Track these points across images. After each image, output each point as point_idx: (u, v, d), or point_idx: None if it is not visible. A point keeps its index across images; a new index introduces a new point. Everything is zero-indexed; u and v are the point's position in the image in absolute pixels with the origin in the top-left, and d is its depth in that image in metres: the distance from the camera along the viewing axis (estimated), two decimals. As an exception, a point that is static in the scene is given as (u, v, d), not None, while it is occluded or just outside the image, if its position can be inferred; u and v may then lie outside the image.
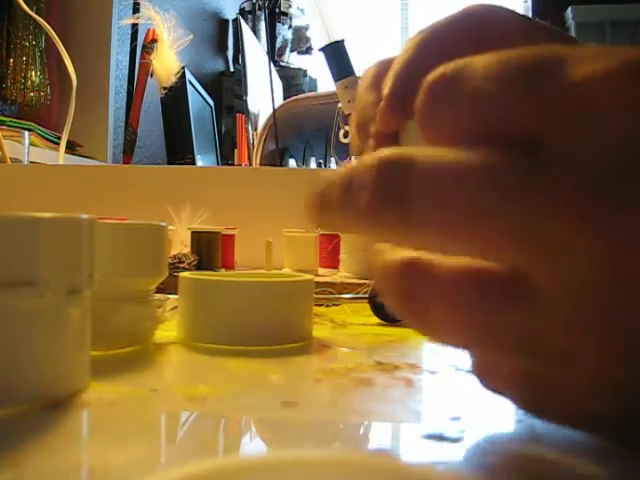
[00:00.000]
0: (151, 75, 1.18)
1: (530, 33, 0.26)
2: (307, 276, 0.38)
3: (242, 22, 1.80)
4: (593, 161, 0.15)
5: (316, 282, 0.40)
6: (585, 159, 0.15)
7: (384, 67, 0.29)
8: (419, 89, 0.21)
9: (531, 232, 0.16)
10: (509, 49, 0.17)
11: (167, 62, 1.11)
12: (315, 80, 3.36)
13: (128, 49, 1.76)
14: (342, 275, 0.63)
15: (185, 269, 0.57)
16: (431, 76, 0.18)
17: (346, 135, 0.89)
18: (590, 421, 0.19)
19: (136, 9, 1.40)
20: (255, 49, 1.78)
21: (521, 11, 0.28)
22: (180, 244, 0.63)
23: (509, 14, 0.29)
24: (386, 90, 0.27)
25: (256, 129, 1.53)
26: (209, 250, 0.63)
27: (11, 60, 1.72)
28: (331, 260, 0.68)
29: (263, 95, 1.55)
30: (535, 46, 0.17)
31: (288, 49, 3.43)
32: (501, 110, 0.17)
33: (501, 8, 0.29)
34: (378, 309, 0.45)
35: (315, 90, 3.06)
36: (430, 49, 0.27)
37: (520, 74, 0.17)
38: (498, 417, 0.24)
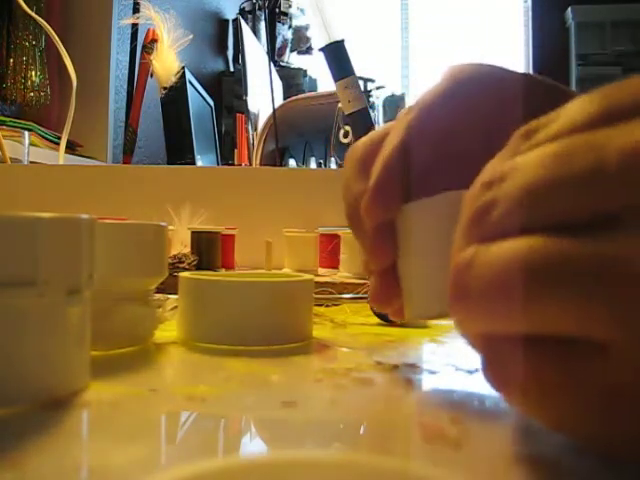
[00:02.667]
0: (151, 75, 1.18)
1: (526, 91, 0.25)
2: (307, 276, 0.38)
3: (242, 22, 1.80)
4: None
5: (316, 282, 0.40)
6: None
7: (372, 149, 0.28)
8: (409, 176, 0.22)
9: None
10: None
11: (167, 62, 1.11)
12: (315, 80, 3.36)
13: (128, 49, 1.75)
14: (342, 275, 0.63)
15: (185, 269, 0.57)
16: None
17: (346, 135, 0.88)
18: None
19: (136, 9, 1.40)
20: (255, 49, 1.78)
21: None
22: (180, 244, 0.63)
23: (500, 72, 0.27)
24: (372, 181, 0.26)
25: (256, 129, 1.53)
26: (209, 250, 0.63)
27: (11, 60, 1.72)
28: (331, 260, 0.68)
29: (263, 95, 1.55)
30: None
31: (288, 49, 3.43)
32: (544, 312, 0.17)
33: (489, 66, 0.28)
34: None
35: (315, 90, 3.06)
36: (422, 130, 0.26)
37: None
38: (498, 417, 0.24)
